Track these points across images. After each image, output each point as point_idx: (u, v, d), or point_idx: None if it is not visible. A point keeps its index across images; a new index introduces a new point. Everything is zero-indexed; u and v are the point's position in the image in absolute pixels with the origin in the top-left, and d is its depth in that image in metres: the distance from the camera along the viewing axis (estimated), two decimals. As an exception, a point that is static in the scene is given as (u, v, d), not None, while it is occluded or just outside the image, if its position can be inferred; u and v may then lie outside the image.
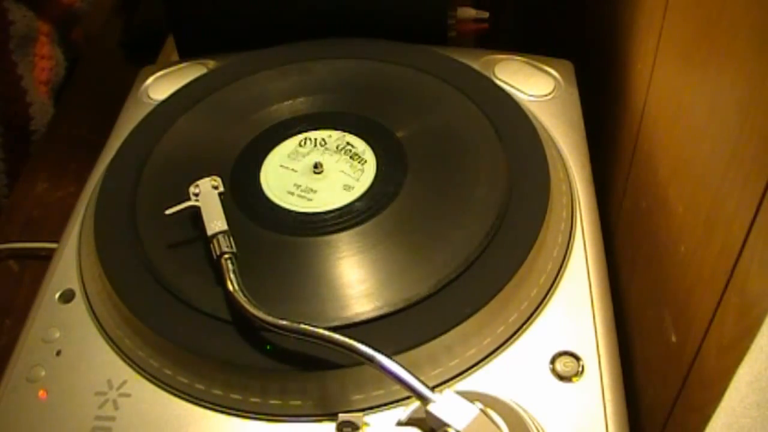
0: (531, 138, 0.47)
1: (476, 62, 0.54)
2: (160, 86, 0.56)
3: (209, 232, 0.41)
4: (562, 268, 0.42)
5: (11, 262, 0.57)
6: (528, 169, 0.45)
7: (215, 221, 0.41)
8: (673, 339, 0.40)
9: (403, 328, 0.38)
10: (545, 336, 0.39)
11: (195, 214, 0.43)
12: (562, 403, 0.37)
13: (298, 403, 0.37)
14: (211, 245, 0.41)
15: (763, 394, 0.30)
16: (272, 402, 0.37)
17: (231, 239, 0.41)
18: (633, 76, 0.50)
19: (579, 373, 0.38)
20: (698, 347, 0.36)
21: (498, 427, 0.33)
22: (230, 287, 0.38)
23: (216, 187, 0.43)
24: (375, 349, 0.34)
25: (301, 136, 0.49)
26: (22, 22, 0.67)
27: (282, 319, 0.36)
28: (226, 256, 0.40)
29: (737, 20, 0.32)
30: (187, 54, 0.61)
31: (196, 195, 0.43)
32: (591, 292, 0.41)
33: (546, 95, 0.53)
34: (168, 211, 0.42)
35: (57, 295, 0.44)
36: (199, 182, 0.44)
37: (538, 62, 0.55)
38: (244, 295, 0.38)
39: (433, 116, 0.49)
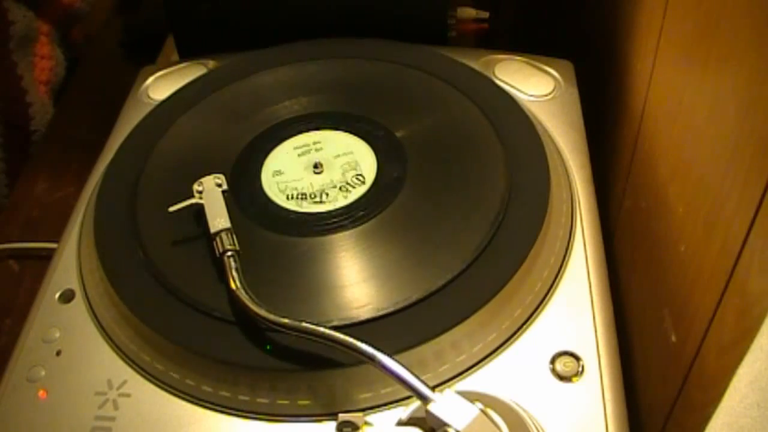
0: (531, 138, 0.47)
1: (476, 62, 0.54)
2: (160, 86, 0.56)
3: (212, 230, 0.41)
4: (562, 268, 0.42)
5: (11, 262, 0.57)
6: (528, 169, 0.45)
7: (218, 219, 0.41)
8: (673, 339, 0.40)
9: (404, 327, 0.38)
10: (545, 336, 0.39)
11: (196, 213, 0.43)
12: (562, 403, 0.37)
13: (298, 402, 0.37)
14: (214, 243, 0.41)
15: (763, 394, 0.30)
16: (272, 401, 0.37)
17: (234, 237, 0.41)
18: (633, 76, 0.50)
19: (579, 373, 0.38)
20: (698, 347, 0.36)
21: (498, 427, 0.33)
22: (233, 285, 0.38)
23: (219, 185, 0.44)
24: (376, 348, 0.34)
25: (301, 136, 0.49)
26: (22, 22, 0.67)
27: (284, 317, 0.36)
28: (229, 253, 0.40)
29: (737, 20, 0.32)
30: (187, 54, 0.61)
31: (200, 192, 0.43)
32: (591, 292, 0.41)
33: (546, 95, 0.53)
34: (171, 209, 0.42)
35: (57, 295, 0.43)
36: (202, 180, 0.44)
37: (538, 62, 0.55)
38: (247, 293, 0.38)
39: (433, 116, 0.49)
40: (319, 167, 0.46)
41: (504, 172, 0.45)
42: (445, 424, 0.32)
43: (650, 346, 0.44)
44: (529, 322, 0.40)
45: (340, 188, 0.45)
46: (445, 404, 0.33)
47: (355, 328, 0.38)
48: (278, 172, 0.47)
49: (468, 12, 0.62)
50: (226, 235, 0.41)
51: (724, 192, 0.33)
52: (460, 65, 0.53)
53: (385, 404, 0.37)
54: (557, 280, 0.42)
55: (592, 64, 0.57)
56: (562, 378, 0.38)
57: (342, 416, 0.37)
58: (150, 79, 0.57)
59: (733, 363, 0.31)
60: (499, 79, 0.53)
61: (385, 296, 0.39)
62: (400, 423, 0.35)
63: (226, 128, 0.50)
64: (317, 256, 0.42)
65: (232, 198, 0.44)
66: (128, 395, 0.38)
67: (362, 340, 0.35)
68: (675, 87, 0.41)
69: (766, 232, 0.29)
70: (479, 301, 0.39)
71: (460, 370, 0.38)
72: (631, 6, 0.51)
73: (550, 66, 0.55)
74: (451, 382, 0.38)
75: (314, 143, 0.49)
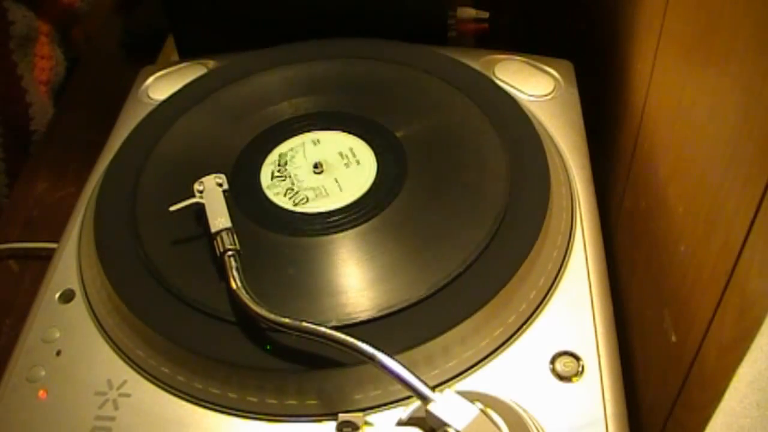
0: (531, 138, 0.47)
1: (476, 62, 0.54)
2: (160, 86, 0.56)
3: (213, 230, 0.41)
4: (562, 268, 0.42)
5: (11, 262, 0.57)
6: (528, 169, 0.45)
7: (219, 218, 0.42)
8: (673, 339, 0.40)
9: (404, 327, 0.38)
10: (545, 336, 0.39)
11: (197, 212, 0.43)
12: (562, 403, 0.37)
13: (299, 402, 0.37)
14: (215, 242, 0.41)
15: (763, 394, 0.30)
16: (272, 402, 0.37)
17: (234, 237, 0.41)
18: (633, 76, 0.50)
19: (579, 373, 0.38)
20: (698, 347, 0.36)
21: (498, 427, 0.33)
22: (233, 284, 0.38)
23: (220, 185, 0.44)
24: (376, 348, 0.34)
25: (300, 136, 0.49)
26: (22, 22, 0.67)
27: (284, 317, 0.36)
28: (230, 253, 0.40)
29: (737, 20, 0.32)
30: (187, 54, 0.61)
31: (201, 192, 0.43)
32: (591, 292, 0.41)
33: (546, 95, 0.53)
34: (172, 208, 0.42)
35: (57, 295, 0.44)
36: (203, 179, 0.44)
37: (538, 62, 0.55)
38: (247, 293, 0.38)
39: (433, 116, 0.49)
40: (319, 167, 0.46)
41: (504, 172, 0.45)
42: (445, 424, 0.32)
43: (650, 346, 0.44)
44: (529, 322, 0.40)
45: (340, 188, 0.45)
46: (445, 404, 0.33)
47: (355, 328, 0.38)
48: (278, 172, 0.47)
49: (468, 12, 0.62)
50: (227, 234, 0.41)
51: (724, 192, 0.33)
52: (460, 65, 0.53)
53: (385, 404, 0.37)
54: (557, 280, 0.42)
55: (592, 64, 0.57)
56: (562, 378, 0.38)
57: (342, 416, 0.37)
58: (150, 79, 0.57)
59: (733, 363, 0.31)
60: (499, 79, 0.53)
61: (385, 296, 0.39)
62: (400, 423, 0.35)
63: (226, 128, 0.50)
64: (317, 256, 0.42)
65: (232, 198, 0.44)
66: (128, 395, 0.39)
67: (362, 340, 0.35)
68: (675, 87, 0.41)
69: (766, 232, 0.29)
70: (479, 301, 0.39)
71: (460, 369, 0.38)
72: (631, 6, 0.51)
73: (550, 66, 0.55)
74: (451, 382, 0.38)
75: (314, 143, 0.49)
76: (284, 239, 0.43)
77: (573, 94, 0.53)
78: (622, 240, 0.51)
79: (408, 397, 0.37)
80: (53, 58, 0.72)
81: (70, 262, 0.45)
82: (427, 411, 0.33)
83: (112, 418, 0.38)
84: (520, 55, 0.56)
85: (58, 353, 0.41)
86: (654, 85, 0.45)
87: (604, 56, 0.56)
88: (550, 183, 0.44)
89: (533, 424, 0.35)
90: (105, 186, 0.48)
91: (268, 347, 0.38)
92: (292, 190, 0.46)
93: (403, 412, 0.35)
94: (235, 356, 0.38)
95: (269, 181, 0.46)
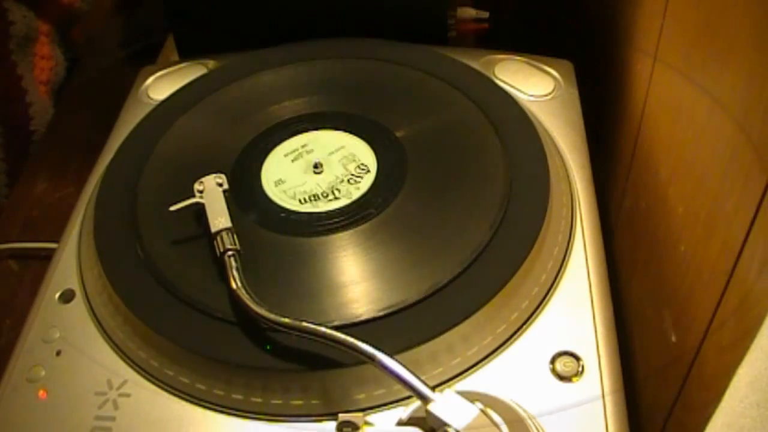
0: (531, 138, 0.47)
1: (476, 62, 0.54)
2: (160, 86, 0.56)
3: (213, 229, 0.41)
4: (562, 268, 0.42)
5: (11, 262, 0.57)
6: (528, 169, 0.45)
7: (219, 218, 0.41)
8: (673, 339, 0.40)
9: (404, 327, 0.38)
10: (545, 336, 0.39)
11: (197, 212, 0.43)
12: (562, 403, 0.37)
13: (298, 402, 0.37)
14: (215, 242, 0.41)
15: (763, 394, 0.30)
16: (272, 402, 0.37)
17: (235, 236, 0.41)
18: (633, 76, 0.50)
19: (579, 373, 0.38)
20: (698, 347, 0.36)
21: (498, 427, 0.33)
22: (233, 285, 0.38)
23: (220, 185, 0.44)
24: (376, 348, 0.34)
25: (301, 136, 0.49)
26: (22, 22, 0.67)
27: (284, 317, 0.36)
28: (230, 253, 0.40)
29: (737, 20, 0.32)
30: (187, 54, 0.61)
31: (201, 192, 0.43)
32: (591, 292, 0.41)
33: (546, 95, 0.53)
34: (172, 208, 0.42)
35: (57, 295, 0.43)
36: (203, 179, 0.44)
37: (538, 62, 0.55)
38: (247, 293, 0.38)
39: (433, 116, 0.49)
40: (319, 167, 0.46)
41: (504, 172, 0.45)
42: (445, 424, 0.32)
43: (650, 346, 0.44)
44: (529, 322, 0.40)
45: (340, 188, 0.45)
46: (445, 404, 0.33)
47: (355, 328, 0.38)
48: (278, 173, 0.47)
49: (468, 12, 0.62)
50: (227, 234, 0.41)
51: (724, 192, 0.33)
52: (460, 65, 0.53)
53: (385, 404, 0.37)
54: (557, 280, 0.42)
55: (592, 64, 0.57)
56: (562, 378, 0.38)
57: (342, 416, 0.37)
58: (150, 79, 0.57)
59: (733, 363, 0.31)
60: (499, 79, 0.53)
61: (385, 296, 0.39)
62: (400, 423, 0.35)
63: (226, 128, 0.50)
64: (317, 256, 0.42)
65: (231, 198, 0.44)
66: (128, 395, 0.38)
67: (362, 340, 0.35)
68: (675, 87, 0.41)
69: (766, 232, 0.29)
70: (479, 301, 0.39)
71: (460, 369, 0.38)
72: (631, 6, 0.51)
73: (550, 66, 0.55)
74: (451, 382, 0.38)
75: (314, 143, 0.49)
76: (284, 239, 0.43)
77: (573, 94, 0.53)
78: (622, 240, 0.51)
79: (408, 397, 0.37)
80: (53, 58, 0.72)
81: (70, 262, 0.45)
82: (427, 411, 0.33)
83: (112, 418, 0.38)
84: (520, 55, 0.56)
85: (58, 353, 0.41)
86: (654, 85, 0.45)
87: (604, 56, 0.56)
88: (550, 183, 0.44)
89: (533, 424, 0.35)
90: (105, 186, 0.48)
91: (267, 347, 0.38)
92: (293, 189, 0.46)
93: (403, 412, 0.35)
94: (235, 356, 0.38)
95: (269, 181, 0.46)
